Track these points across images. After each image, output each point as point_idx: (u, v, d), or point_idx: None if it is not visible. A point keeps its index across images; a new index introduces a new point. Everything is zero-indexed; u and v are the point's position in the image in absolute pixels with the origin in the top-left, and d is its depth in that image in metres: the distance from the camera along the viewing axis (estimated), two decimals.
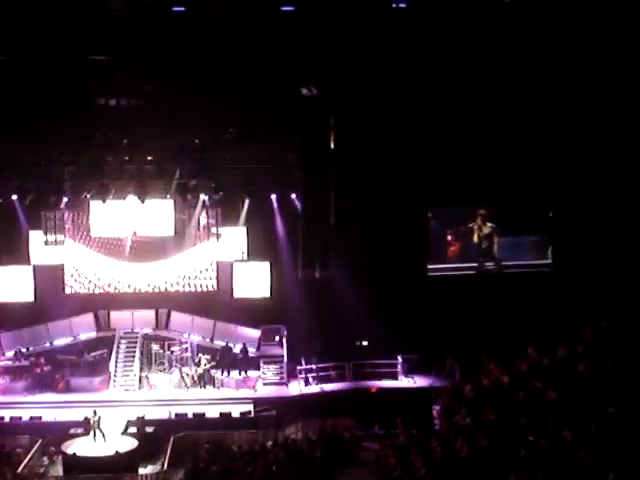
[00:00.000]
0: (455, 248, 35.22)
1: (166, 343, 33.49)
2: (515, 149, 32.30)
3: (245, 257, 34.85)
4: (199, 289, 35.53)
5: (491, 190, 33.37)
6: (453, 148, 32.15)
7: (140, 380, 32.18)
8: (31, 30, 27.27)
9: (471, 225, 34.99)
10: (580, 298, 29.70)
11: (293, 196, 33.80)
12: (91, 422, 26.96)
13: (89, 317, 34.64)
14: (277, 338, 33.74)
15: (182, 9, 27.03)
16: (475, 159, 32.28)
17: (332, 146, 32.04)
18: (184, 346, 33.19)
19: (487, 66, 30.05)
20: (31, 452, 25.86)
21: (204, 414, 28.97)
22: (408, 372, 32.22)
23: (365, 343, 33.50)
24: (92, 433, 26.82)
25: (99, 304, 35.05)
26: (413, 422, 27.12)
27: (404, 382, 32.06)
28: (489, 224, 34.80)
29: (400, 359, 32.28)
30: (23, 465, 24.74)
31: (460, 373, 30.85)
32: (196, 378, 31.90)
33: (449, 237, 35.17)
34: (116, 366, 32.36)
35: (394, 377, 32.24)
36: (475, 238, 35.04)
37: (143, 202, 32.42)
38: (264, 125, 30.90)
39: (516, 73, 30.33)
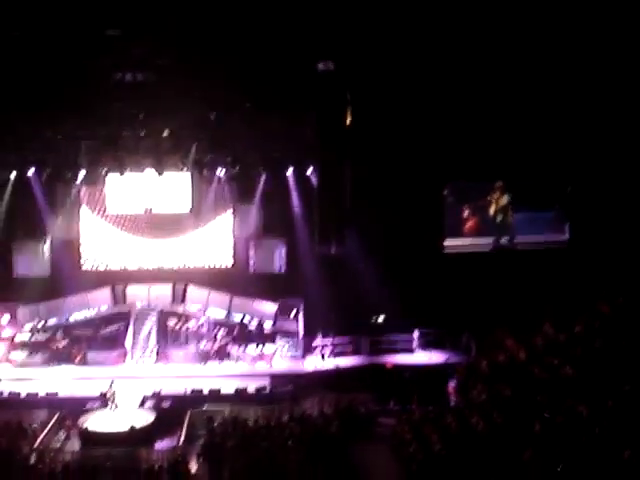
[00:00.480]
0: (471, 224, 35.07)
1: (182, 318, 33.51)
2: (534, 123, 32.05)
3: (262, 232, 34.93)
4: (215, 265, 35.55)
5: (509, 165, 33.15)
6: (470, 122, 31.94)
7: (156, 355, 32.28)
8: (48, 5, 27.27)
9: (488, 197, 34.82)
10: (597, 274, 29.59)
11: (309, 171, 33.72)
12: (107, 395, 27.12)
13: (106, 292, 34.72)
14: (293, 313, 33.69)
15: None
16: (493, 134, 32.06)
17: (348, 121, 31.93)
18: (200, 321, 33.21)
19: (506, 40, 29.81)
20: (48, 427, 25.91)
21: (220, 389, 29.01)
22: (424, 348, 32.16)
23: (381, 318, 33.42)
24: (108, 406, 27.02)
25: (116, 279, 35.12)
26: (429, 398, 27.15)
27: (420, 358, 31.98)
28: (506, 196, 34.63)
29: (416, 334, 32.24)
30: (40, 440, 24.85)
31: (476, 349, 30.84)
32: (212, 353, 31.94)
33: (465, 213, 35.01)
34: (133, 340, 32.42)
35: (410, 352, 32.19)
36: (491, 211, 34.89)
37: (161, 174, 32.46)
38: (280, 100, 30.80)
39: (537, 45, 30.07)
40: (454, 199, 34.97)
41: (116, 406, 27.03)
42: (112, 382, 27.62)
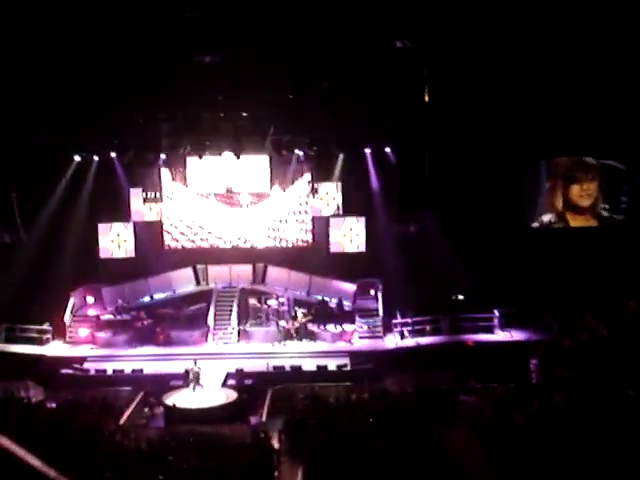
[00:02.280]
0: (556, 201, 34.67)
1: (263, 297, 33.85)
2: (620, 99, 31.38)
3: (341, 212, 35.03)
4: (295, 244, 35.80)
5: (594, 142, 32.65)
6: (551, 99, 31.41)
7: (238, 333, 32.65)
8: None
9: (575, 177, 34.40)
10: None
11: (387, 150, 33.66)
12: (190, 373, 27.52)
13: (188, 272, 35.28)
14: (372, 292, 33.77)
15: None
16: (576, 109, 31.49)
17: (426, 99, 31.73)
18: (281, 300, 33.48)
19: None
20: (133, 404, 26.40)
21: (301, 367, 29.23)
22: (505, 326, 31.89)
23: (461, 297, 33.25)
24: (191, 384, 27.48)
25: (197, 259, 35.63)
26: (510, 376, 26.94)
27: (501, 336, 31.74)
28: (591, 176, 34.18)
29: (497, 313, 31.97)
30: (125, 416, 25.32)
31: (558, 327, 30.47)
32: (293, 331, 32.18)
33: (549, 188, 34.64)
34: (215, 319, 32.85)
35: (490, 331, 31.94)
36: (578, 191, 34.46)
37: (239, 158, 32.81)
38: (358, 79, 30.74)
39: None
40: (537, 174, 34.63)
41: (200, 386, 27.44)
42: (195, 361, 28.10)
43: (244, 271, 35.02)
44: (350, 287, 33.80)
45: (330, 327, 32.37)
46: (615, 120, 31.53)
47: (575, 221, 34.76)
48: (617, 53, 29.72)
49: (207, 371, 28.43)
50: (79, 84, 30.84)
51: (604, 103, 31.25)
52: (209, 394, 26.94)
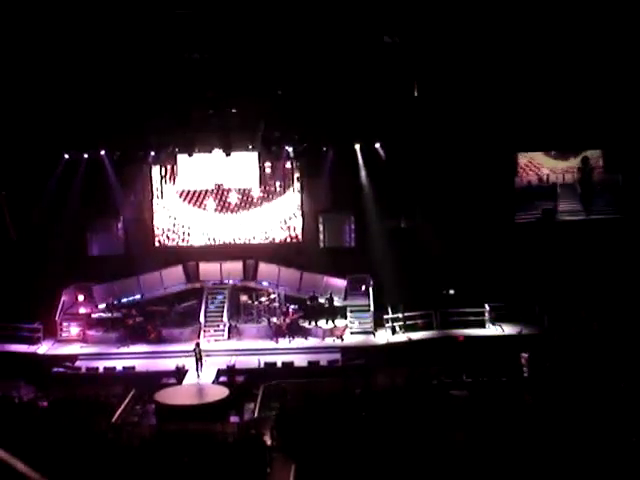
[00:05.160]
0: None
1: (254, 294, 33.84)
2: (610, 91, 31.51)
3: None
4: (285, 240, 35.81)
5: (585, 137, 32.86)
6: (537, 92, 31.51)
7: (229, 330, 32.64)
8: None
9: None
10: None
11: (377, 145, 33.69)
12: (195, 354, 28.42)
13: (179, 269, 35.24)
14: (363, 287, 33.79)
15: None
16: (561, 103, 31.62)
17: (416, 94, 31.75)
18: (272, 296, 33.48)
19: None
20: (125, 402, 26.42)
21: (292, 363, 29.25)
22: (495, 320, 31.95)
23: (452, 291, 33.28)
24: (195, 363, 28.40)
25: (188, 256, 35.60)
26: (501, 370, 27.00)
27: (492, 330, 31.82)
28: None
29: (487, 307, 32.03)
30: (117, 414, 25.31)
31: (549, 320, 30.57)
32: (284, 328, 32.18)
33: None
34: (206, 317, 32.84)
35: (481, 325, 32.03)
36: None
37: (228, 155, 32.81)
38: (347, 74, 30.76)
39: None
40: None
41: (201, 364, 28.32)
42: (198, 344, 28.84)
43: (235, 268, 34.98)
44: (341, 283, 33.81)
45: (321, 323, 32.39)
46: (600, 115, 31.77)
47: None
48: (603, 49, 29.88)
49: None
50: (67, 82, 30.80)
51: (594, 97, 31.39)
52: (200, 391, 26.96)
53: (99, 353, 31.29)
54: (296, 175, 35.43)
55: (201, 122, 32.36)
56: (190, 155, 33.60)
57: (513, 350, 28.49)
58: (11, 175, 33.56)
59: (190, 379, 28.14)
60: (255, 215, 35.63)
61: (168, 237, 35.95)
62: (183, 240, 35.99)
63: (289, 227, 35.78)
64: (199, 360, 28.60)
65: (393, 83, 31.76)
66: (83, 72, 30.24)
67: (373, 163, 34.01)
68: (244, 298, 33.75)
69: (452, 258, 32.34)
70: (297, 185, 35.51)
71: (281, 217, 35.74)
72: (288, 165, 35.23)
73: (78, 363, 30.38)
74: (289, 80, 31.37)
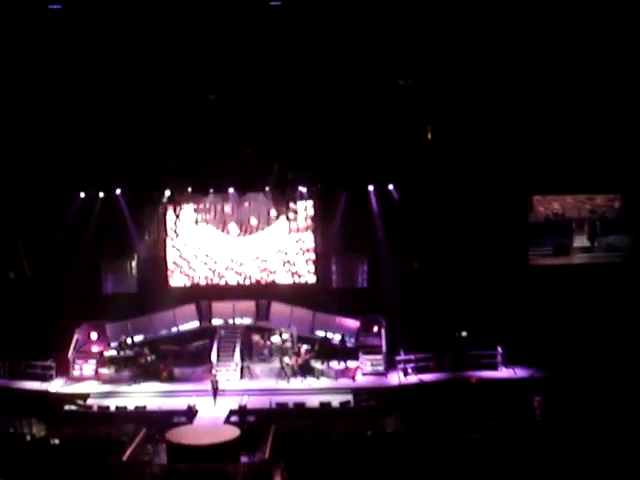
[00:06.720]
0: None
1: (266, 333, 33.84)
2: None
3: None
4: (298, 280, 35.88)
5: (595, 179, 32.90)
6: (552, 135, 31.65)
7: (241, 370, 32.62)
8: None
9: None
10: None
11: (391, 187, 33.84)
12: (213, 382, 29.59)
13: (191, 308, 35.26)
14: (376, 329, 33.75)
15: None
16: (574, 146, 31.75)
17: (429, 137, 31.96)
18: (284, 336, 33.47)
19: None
20: (136, 440, 26.29)
21: (304, 404, 29.17)
22: (508, 363, 31.82)
23: (464, 333, 33.20)
24: (212, 393, 29.42)
25: (201, 295, 35.67)
26: (514, 413, 26.86)
27: (504, 373, 31.69)
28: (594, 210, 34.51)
29: (500, 349, 31.92)
30: (128, 453, 25.21)
31: (562, 363, 30.45)
32: (296, 368, 32.12)
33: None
34: (218, 356, 32.77)
35: (494, 368, 31.90)
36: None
37: (243, 195, 33.09)
38: (362, 116, 31.00)
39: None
40: None
41: (217, 394, 29.26)
42: (215, 374, 29.76)
43: (247, 307, 35.01)
44: (353, 323, 33.79)
45: (333, 364, 32.33)
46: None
47: None
48: (617, 95, 30.12)
49: (210, 408, 28.50)
50: (85, 121, 31.15)
51: (610, 137, 31.53)
52: (211, 431, 26.87)
53: (111, 391, 31.25)
54: (309, 216, 35.57)
55: (217, 163, 32.61)
56: (205, 195, 33.90)
57: (526, 393, 28.39)
58: (27, 213, 33.84)
59: (204, 412, 28.02)
60: (268, 256, 35.79)
61: (182, 276, 36.05)
62: (197, 279, 36.08)
63: (302, 268, 35.83)
64: (215, 390, 29.22)
65: (407, 125, 31.98)
66: (101, 113, 30.57)
67: (386, 204, 34.12)
68: (256, 338, 33.76)
69: (465, 300, 32.32)
70: (311, 226, 35.64)
71: (294, 258, 35.82)
72: (302, 206, 35.40)
73: (90, 401, 30.33)
74: (304, 121, 31.62)
